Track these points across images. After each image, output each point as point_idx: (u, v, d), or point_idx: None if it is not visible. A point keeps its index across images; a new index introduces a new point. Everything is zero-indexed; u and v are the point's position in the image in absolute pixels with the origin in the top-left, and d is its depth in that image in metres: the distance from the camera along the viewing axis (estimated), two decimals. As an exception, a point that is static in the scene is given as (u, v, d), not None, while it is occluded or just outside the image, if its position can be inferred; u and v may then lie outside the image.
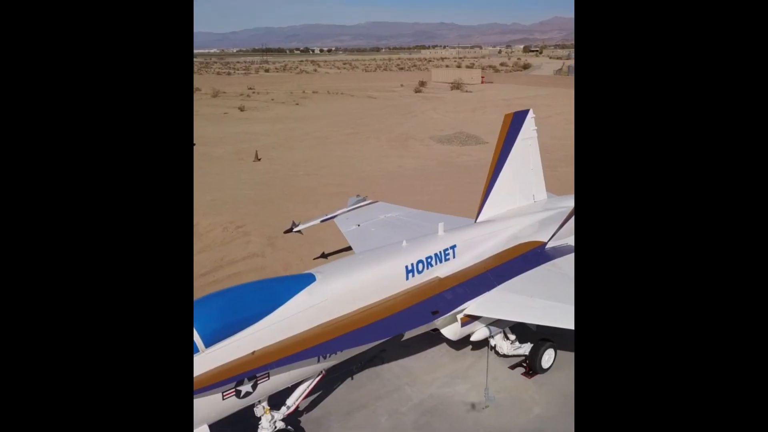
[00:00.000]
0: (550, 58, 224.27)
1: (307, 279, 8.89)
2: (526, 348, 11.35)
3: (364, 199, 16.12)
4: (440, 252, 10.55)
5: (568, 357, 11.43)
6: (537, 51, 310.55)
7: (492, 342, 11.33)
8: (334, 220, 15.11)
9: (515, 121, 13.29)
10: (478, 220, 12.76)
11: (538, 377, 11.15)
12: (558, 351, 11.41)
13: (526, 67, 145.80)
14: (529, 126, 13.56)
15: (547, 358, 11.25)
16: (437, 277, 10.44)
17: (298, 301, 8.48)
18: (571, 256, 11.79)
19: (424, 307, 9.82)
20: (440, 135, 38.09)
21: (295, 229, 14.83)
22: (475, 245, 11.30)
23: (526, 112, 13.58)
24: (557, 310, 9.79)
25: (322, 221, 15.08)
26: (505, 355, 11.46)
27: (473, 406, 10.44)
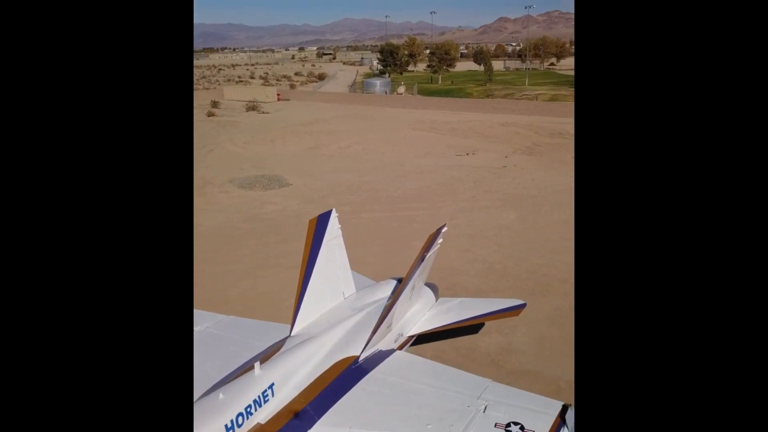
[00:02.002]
0: (344, 63, 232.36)
1: None
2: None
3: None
4: (259, 396, 10.18)
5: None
6: (331, 55, 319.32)
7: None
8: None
9: (320, 224, 13.53)
10: (292, 333, 12.67)
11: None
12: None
13: (321, 77, 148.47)
14: (333, 225, 13.90)
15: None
16: (258, 424, 10.11)
17: None
18: (382, 366, 12.28)
19: None
20: (241, 178, 36.64)
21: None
22: (292, 375, 11.11)
23: (329, 213, 13.87)
24: None
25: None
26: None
27: None
